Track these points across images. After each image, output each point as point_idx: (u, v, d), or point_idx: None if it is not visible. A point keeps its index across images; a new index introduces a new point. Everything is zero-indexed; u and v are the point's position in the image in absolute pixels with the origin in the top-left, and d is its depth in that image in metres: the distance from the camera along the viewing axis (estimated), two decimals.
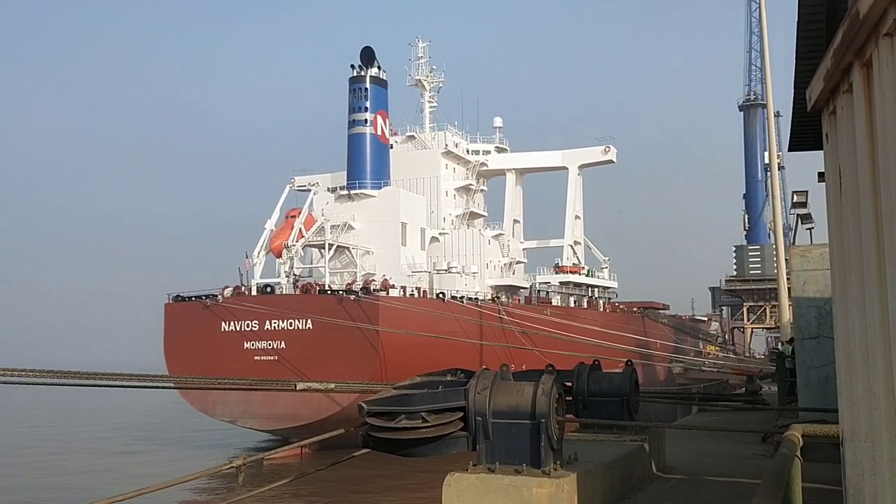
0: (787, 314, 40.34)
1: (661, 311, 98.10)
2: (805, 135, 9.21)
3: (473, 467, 6.66)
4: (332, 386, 13.77)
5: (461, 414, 6.72)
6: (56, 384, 10.64)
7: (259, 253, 58.05)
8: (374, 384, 27.37)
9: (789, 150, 10.18)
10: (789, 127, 9.40)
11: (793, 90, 8.43)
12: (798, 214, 17.72)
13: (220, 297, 52.38)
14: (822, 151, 11.60)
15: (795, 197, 16.39)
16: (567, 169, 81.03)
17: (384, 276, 56.14)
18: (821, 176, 11.01)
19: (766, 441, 13.44)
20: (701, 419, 18.90)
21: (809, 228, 17.69)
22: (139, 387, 11.88)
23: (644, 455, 9.11)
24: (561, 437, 6.78)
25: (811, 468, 7.48)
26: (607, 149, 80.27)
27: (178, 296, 54.46)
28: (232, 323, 51.27)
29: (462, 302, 56.41)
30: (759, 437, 14.26)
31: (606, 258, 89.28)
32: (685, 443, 12.92)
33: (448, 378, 7.40)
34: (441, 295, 55.69)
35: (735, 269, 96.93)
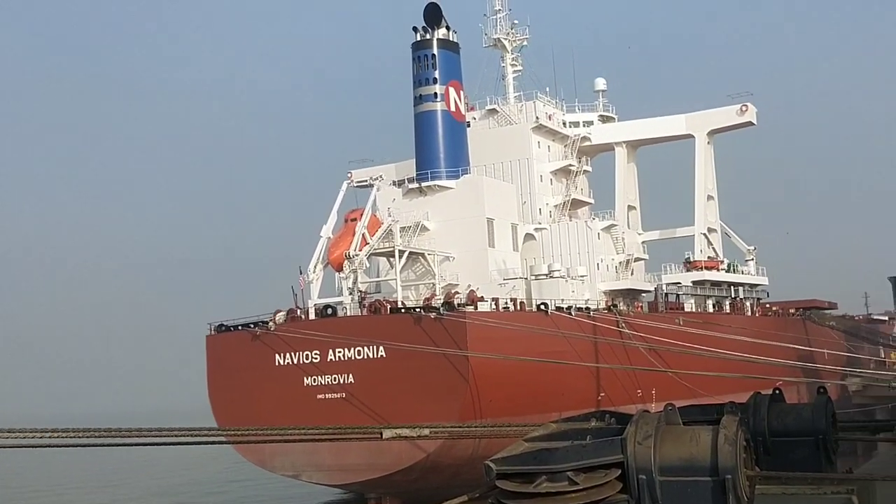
0: None
1: (826, 312, 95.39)
2: None
3: None
4: (425, 431, 13.73)
5: (618, 472, 6.46)
6: (85, 444, 10.93)
7: (315, 267, 58.96)
8: (473, 426, 27.27)
9: None
10: None
11: None
12: None
13: (271, 323, 53.48)
14: None
15: None
16: (693, 137, 79.74)
17: (470, 286, 56.29)
18: None
19: None
20: None
21: None
22: (187, 443, 12.15)
23: None
24: (752, 498, 6.46)
25: None
26: (744, 108, 78.54)
27: (221, 325, 55.90)
28: (288, 355, 52.27)
29: (570, 314, 56.00)
30: None
31: (751, 248, 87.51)
32: (894, 489, 12.29)
33: (594, 424, 7.15)
34: (543, 306, 55.43)
35: None
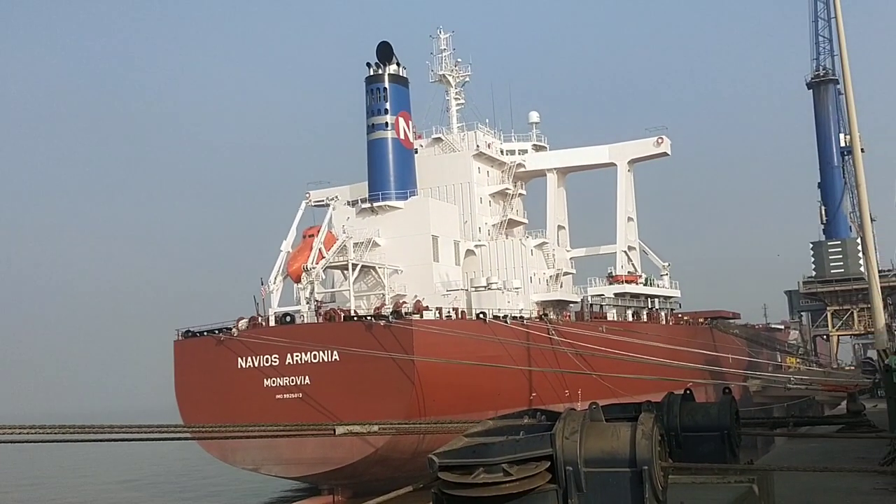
0: (881, 319, 39.50)
1: (731, 321, 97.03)
2: None
3: None
4: (374, 428, 13.61)
5: (548, 464, 6.47)
6: (58, 440, 10.64)
7: (276, 278, 58.40)
8: (418, 423, 27.17)
9: None
10: None
11: None
12: None
13: (234, 329, 52.73)
14: None
15: None
16: (615, 165, 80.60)
17: (416, 297, 56.14)
18: None
19: (885, 472, 13.05)
20: (798, 449, 18.41)
21: None
22: (154, 439, 11.89)
23: (754, 498, 8.80)
24: (666, 486, 6.52)
25: None
26: (660, 140, 79.68)
27: (188, 331, 54.93)
28: (249, 358, 51.54)
29: (506, 322, 56.13)
30: (873, 466, 13.86)
31: (666, 264, 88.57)
32: (790, 478, 12.54)
33: (526, 421, 7.15)
34: (481, 315, 55.50)
35: (814, 269, 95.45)
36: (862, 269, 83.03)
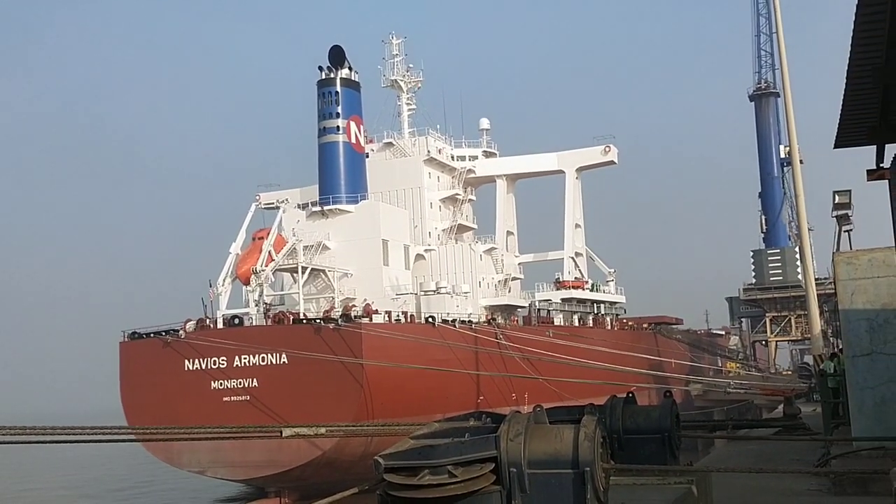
0: (817, 325, 40.48)
1: (674, 327, 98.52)
2: (855, 130, 9.16)
3: None
4: (322, 430, 13.54)
5: (493, 465, 6.51)
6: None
7: (224, 280, 57.70)
8: (365, 425, 27.09)
9: (836, 146, 10.15)
10: (837, 122, 9.35)
11: (844, 81, 8.37)
12: (836, 216, 17.81)
13: (182, 331, 51.97)
14: (866, 147, 11.64)
15: (838, 198, 16.44)
16: (564, 173, 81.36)
17: (365, 300, 55.98)
18: (870, 174, 11.07)
19: (819, 473, 13.41)
20: (736, 451, 18.77)
21: (848, 231, 17.79)
22: (98, 440, 11.65)
23: (693, 499, 8.96)
24: (608, 487, 6.60)
25: None
26: (607, 149, 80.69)
27: (134, 332, 54.02)
28: (196, 360, 50.83)
29: (454, 326, 56.27)
30: (808, 468, 14.21)
31: (612, 270, 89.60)
32: (728, 479, 12.80)
33: (472, 423, 7.19)
34: (430, 319, 55.51)
35: (754, 277, 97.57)
36: (800, 276, 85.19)
